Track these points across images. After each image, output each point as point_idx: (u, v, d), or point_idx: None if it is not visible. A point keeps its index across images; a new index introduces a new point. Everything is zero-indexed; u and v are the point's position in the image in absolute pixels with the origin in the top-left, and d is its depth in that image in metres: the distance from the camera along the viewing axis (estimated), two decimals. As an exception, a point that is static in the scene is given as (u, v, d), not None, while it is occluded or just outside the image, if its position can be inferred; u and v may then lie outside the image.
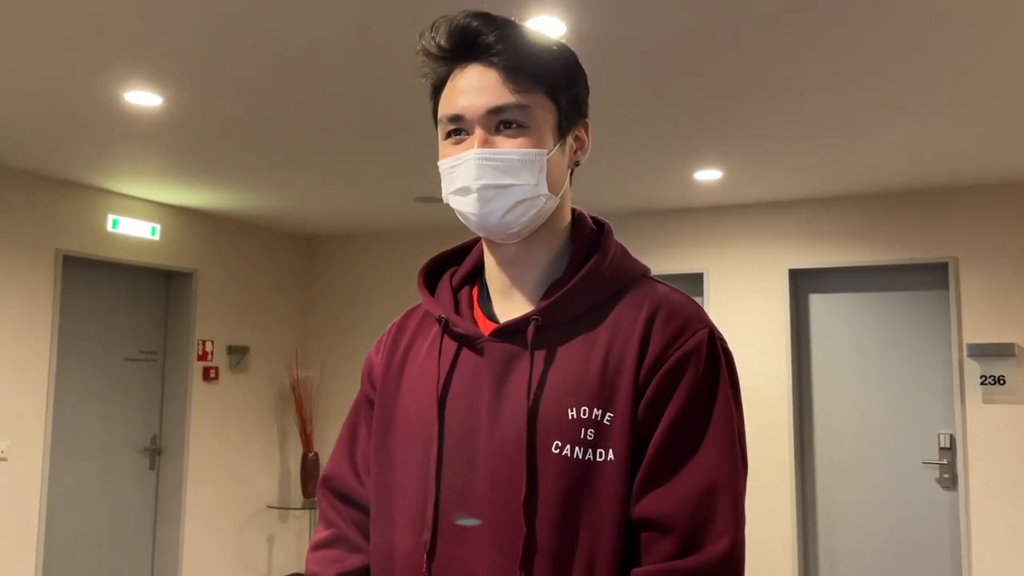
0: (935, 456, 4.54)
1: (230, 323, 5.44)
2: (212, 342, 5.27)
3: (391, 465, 1.06)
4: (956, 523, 4.45)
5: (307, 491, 5.55)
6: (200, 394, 5.17)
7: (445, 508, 0.99)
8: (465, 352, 1.04)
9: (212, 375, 5.24)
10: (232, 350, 5.40)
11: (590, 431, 0.95)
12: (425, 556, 0.98)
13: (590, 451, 0.95)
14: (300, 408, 5.66)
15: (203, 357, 5.19)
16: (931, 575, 4.48)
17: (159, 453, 5.10)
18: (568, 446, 0.95)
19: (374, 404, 1.12)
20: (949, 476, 4.49)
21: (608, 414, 0.95)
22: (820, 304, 4.88)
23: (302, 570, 5.86)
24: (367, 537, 1.10)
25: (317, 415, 5.94)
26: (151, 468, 5.06)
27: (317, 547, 1.13)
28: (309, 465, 5.55)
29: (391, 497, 1.04)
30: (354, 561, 1.09)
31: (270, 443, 5.73)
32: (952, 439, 4.49)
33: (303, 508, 5.49)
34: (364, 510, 1.11)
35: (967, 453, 4.34)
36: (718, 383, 0.97)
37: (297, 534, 5.91)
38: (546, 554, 0.93)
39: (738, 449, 0.96)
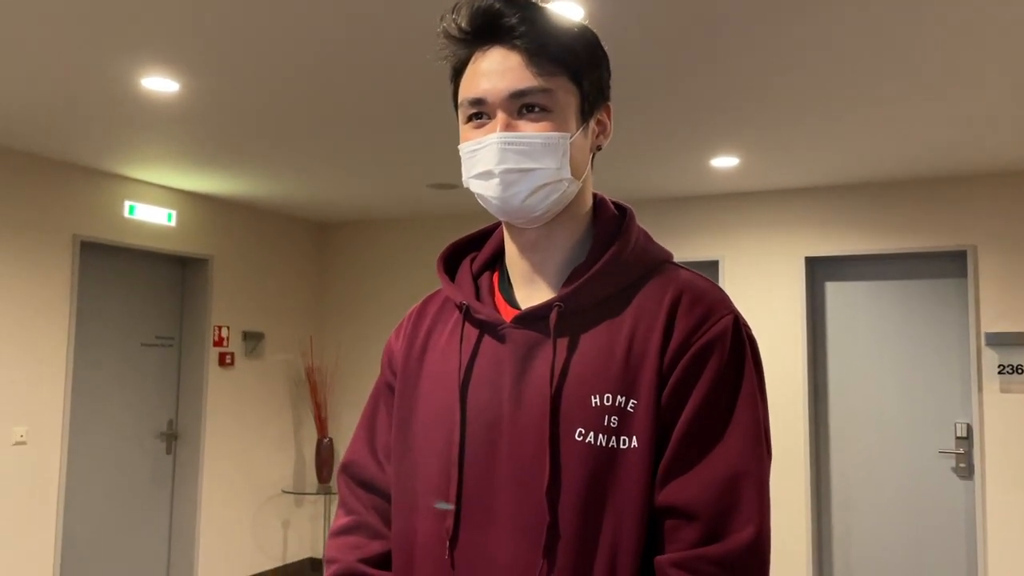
0: (951, 445, 4.51)
1: (245, 309, 5.46)
2: (228, 328, 5.30)
3: (412, 451, 1.05)
4: (972, 513, 4.42)
5: (322, 476, 5.58)
6: (216, 380, 5.20)
7: (468, 494, 0.98)
8: (487, 339, 1.03)
9: (228, 361, 5.27)
10: (247, 336, 5.43)
11: (613, 418, 0.94)
12: (447, 543, 0.98)
13: (613, 438, 0.94)
14: (315, 394, 5.68)
15: (219, 343, 5.22)
16: (946, 564, 4.47)
17: (175, 438, 5.14)
18: (591, 433, 0.94)
19: (394, 390, 1.11)
20: (965, 466, 4.46)
21: (632, 401, 0.95)
22: (836, 292, 4.85)
23: (317, 555, 5.91)
24: (388, 524, 1.10)
25: (332, 401, 5.96)
26: (167, 453, 5.10)
27: (337, 533, 1.12)
28: (324, 450, 5.58)
29: (412, 483, 1.04)
30: (375, 547, 1.09)
31: (285, 428, 5.76)
32: (969, 428, 4.46)
33: (318, 493, 5.52)
34: (385, 496, 1.11)
35: (984, 442, 4.31)
36: (743, 370, 0.96)
37: (312, 519, 5.95)
38: (569, 541, 0.93)
39: (763, 437, 0.95)
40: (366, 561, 1.08)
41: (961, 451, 4.48)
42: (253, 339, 5.47)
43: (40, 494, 4.22)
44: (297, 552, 5.82)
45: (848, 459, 4.73)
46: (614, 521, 0.93)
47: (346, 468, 1.16)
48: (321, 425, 5.64)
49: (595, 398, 0.95)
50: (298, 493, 5.72)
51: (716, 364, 0.95)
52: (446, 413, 1.02)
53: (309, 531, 5.93)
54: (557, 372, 0.97)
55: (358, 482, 1.14)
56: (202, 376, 5.12)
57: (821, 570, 4.72)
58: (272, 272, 5.72)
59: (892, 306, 4.71)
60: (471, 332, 1.05)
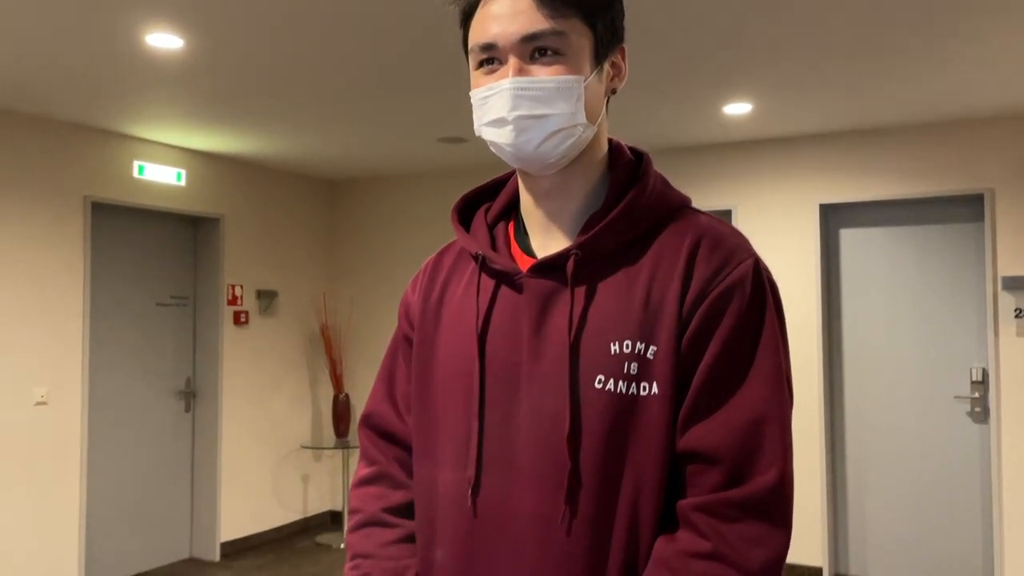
0: (967, 390, 4.51)
1: (258, 268, 5.48)
2: (241, 287, 5.32)
3: (432, 403, 1.05)
4: (987, 456, 4.44)
5: (339, 431, 5.64)
6: (231, 338, 5.24)
7: (488, 444, 0.98)
8: (504, 289, 1.03)
9: (242, 319, 5.30)
10: (261, 295, 5.45)
11: (633, 365, 0.94)
12: (469, 491, 0.98)
13: (634, 385, 0.93)
14: (330, 351, 5.72)
15: (233, 302, 5.24)
16: (961, 507, 4.50)
17: (194, 396, 5.20)
18: (611, 381, 0.94)
19: (412, 343, 1.11)
20: (980, 410, 4.47)
21: (651, 347, 0.94)
22: (851, 239, 4.81)
23: (337, 507, 6.00)
24: (410, 474, 1.11)
25: (347, 357, 6.00)
26: (187, 411, 5.17)
27: (360, 484, 1.13)
28: (340, 406, 5.63)
29: (433, 434, 1.04)
30: (397, 497, 1.10)
31: (301, 385, 5.82)
32: (984, 373, 4.46)
33: (336, 448, 5.59)
34: (406, 447, 1.12)
35: (999, 386, 4.31)
36: (764, 315, 0.95)
37: (331, 473, 6.03)
38: (590, 489, 0.93)
39: (785, 381, 0.95)
40: (389, 510, 1.09)
41: (976, 395, 4.48)
42: (267, 297, 5.49)
43: (64, 453, 4.29)
44: (317, 505, 5.92)
45: (863, 405, 4.74)
46: (635, 468, 0.93)
47: (367, 420, 1.16)
48: (337, 381, 5.69)
49: (614, 345, 0.94)
50: (316, 448, 5.80)
51: (736, 309, 0.94)
52: (465, 365, 1.02)
53: (328, 485, 6.03)
54: (575, 320, 0.96)
55: (379, 433, 1.14)
56: (217, 335, 5.16)
57: (835, 513, 4.77)
58: (284, 230, 5.72)
59: (908, 252, 4.67)
60: (487, 283, 1.04)
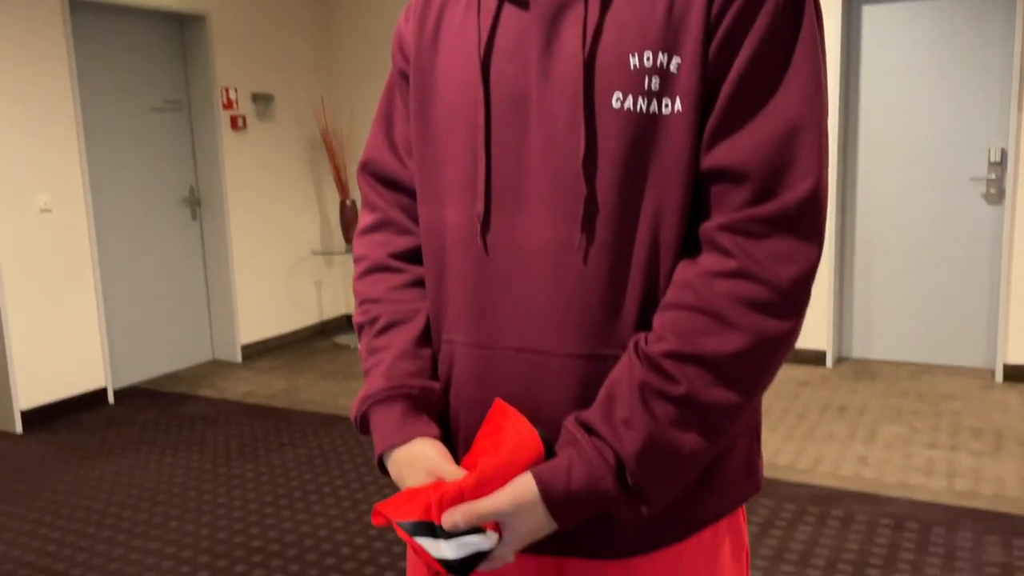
0: (984, 171, 4.42)
1: (251, 70, 5.26)
2: (236, 90, 5.13)
3: (434, 140, 0.97)
4: (999, 238, 4.42)
5: (348, 237, 5.64)
6: (231, 144, 5.12)
7: (497, 177, 0.92)
8: (507, 7, 0.92)
9: (240, 124, 5.15)
10: (257, 98, 5.26)
11: (655, 80, 0.85)
12: (479, 227, 0.93)
13: (655, 102, 0.85)
14: (332, 156, 5.61)
15: (228, 106, 5.07)
16: (969, 290, 4.53)
17: (199, 204, 5.15)
18: (630, 98, 0.85)
19: (409, 78, 1.02)
20: (996, 191, 4.40)
21: (675, 59, 0.84)
22: (874, 16, 4.54)
23: (351, 311, 6.13)
24: (414, 220, 1.05)
25: (350, 162, 5.90)
26: (193, 218, 5.14)
27: (364, 232, 1.08)
28: (348, 213, 5.59)
29: (438, 173, 0.97)
30: (403, 242, 1.05)
31: (307, 191, 5.76)
32: (1003, 153, 4.35)
33: (347, 253, 5.61)
34: (409, 192, 1.05)
35: (1018, 165, 4.21)
36: (802, 15, 0.85)
37: (344, 278, 6.11)
38: (608, 216, 0.87)
39: (823, 85, 0.86)
40: (396, 256, 1.05)
41: (993, 176, 4.39)
42: (263, 101, 5.31)
43: (75, 260, 4.31)
44: (333, 309, 6.04)
45: (876, 186, 4.67)
46: (656, 192, 0.86)
47: (365, 166, 1.09)
48: (342, 188, 5.62)
49: (634, 59, 0.85)
50: (327, 253, 5.83)
51: (772, 7, 0.83)
52: (467, 94, 0.93)
53: (342, 289, 6.12)
54: (590, 33, 0.86)
55: (379, 179, 1.08)
56: (216, 140, 5.03)
57: (841, 296, 4.83)
58: (275, 30, 5.43)
59: (932, 28, 4.42)
60: (489, 1, 0.93)
